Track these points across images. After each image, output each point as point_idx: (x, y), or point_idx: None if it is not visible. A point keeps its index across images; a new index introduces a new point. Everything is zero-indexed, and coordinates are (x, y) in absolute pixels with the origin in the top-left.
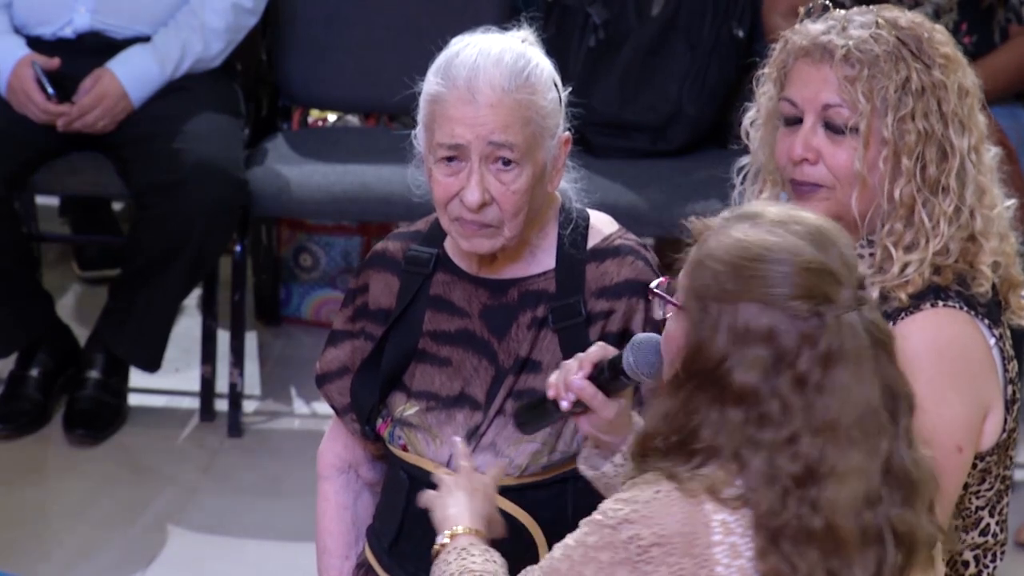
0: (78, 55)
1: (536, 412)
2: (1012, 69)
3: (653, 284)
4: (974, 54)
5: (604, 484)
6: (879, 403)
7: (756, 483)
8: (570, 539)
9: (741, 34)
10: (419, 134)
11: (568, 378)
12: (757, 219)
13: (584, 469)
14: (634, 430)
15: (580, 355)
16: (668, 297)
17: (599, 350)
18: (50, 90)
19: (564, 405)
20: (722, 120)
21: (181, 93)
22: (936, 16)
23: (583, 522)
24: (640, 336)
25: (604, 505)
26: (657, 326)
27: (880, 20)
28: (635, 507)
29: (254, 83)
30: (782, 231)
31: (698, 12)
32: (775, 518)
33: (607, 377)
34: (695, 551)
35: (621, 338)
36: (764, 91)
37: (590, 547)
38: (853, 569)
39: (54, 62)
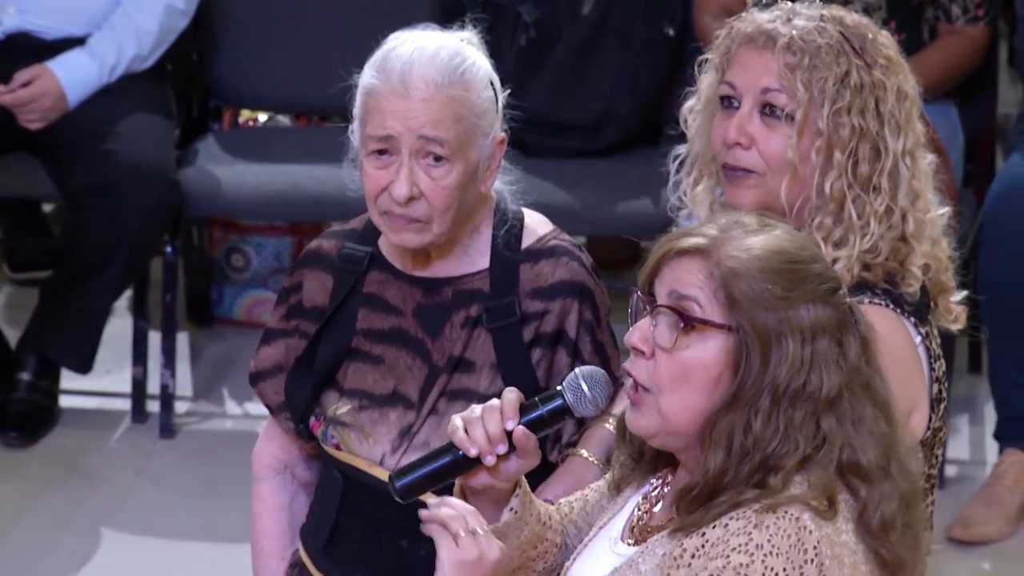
0: (7, 56)
1: (433, 472)
2: (942, 67)
3: (666, 315)
4: (904, 52)
5: (498, 535)
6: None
7: (867, 478)
8: None
9: (672, 33)
10: (354, 128)
11: (495, 429)
12: (747, 227)
13: None
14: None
15: (491, 403)
16: (710, 319)
17: (517, 395)
18: None
19: (491, 460)
20: (654, 118)
21: (113, 95)
22: (866, 14)
23: None
24: (585, 369)
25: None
26: (592, 327)
27: (825, 14)
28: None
29: (185, 83)
30: (782, 233)
31: (629, 11)
32: (875, 510)
33: (546, 418)
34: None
35: (555, 339)
36: (705, 77)
37: None
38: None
39: None
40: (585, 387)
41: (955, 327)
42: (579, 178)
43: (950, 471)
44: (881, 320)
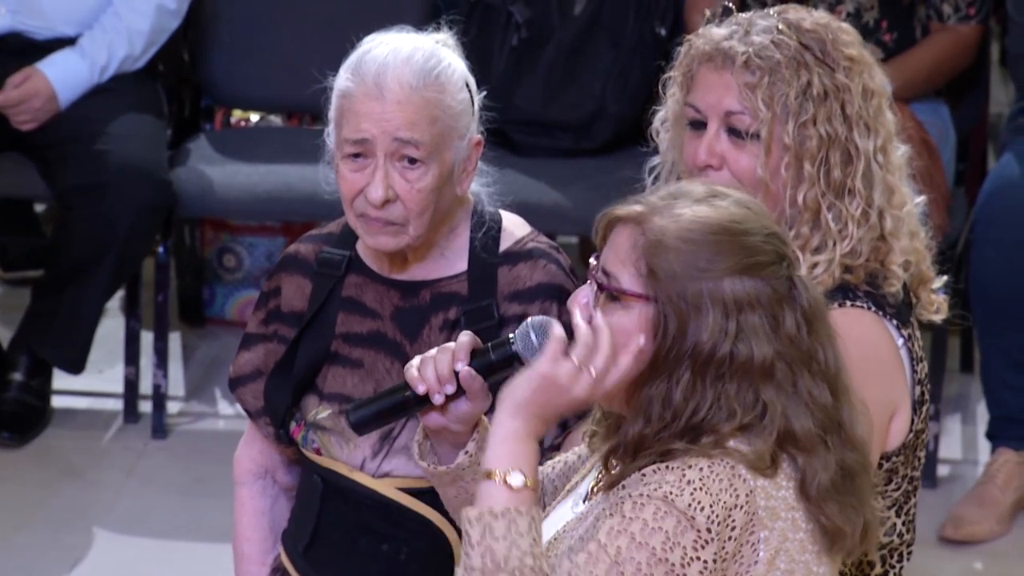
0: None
1: (385, 408)
2: (932, 65)
3: (589, 285)
4: (895, 51)
5: (452, 477)
6: None
7: (803, 447)
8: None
9: (663, 32)
10: (329, 131)
11: (444, 369)
12: (691, 196)
13: (425, 465)
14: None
15: (447, 345)
16: (628, 289)
17: (471, 338)
18: None
19: (439, 399)
20: (645, 118)
21: (104, 94)
22: (857, 14)
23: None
24: (535, 320)
25: (655, 489)
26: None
27: (782, 25)
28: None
29: (176, 83)
30: (725, 203)
31: (621, 10)
32: (813, 479)
33: (494, 364)
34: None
35: None
36: (671, 93)
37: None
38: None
39: None
40: (534, 337)
41: (937, 318)
42: (570, 178)
43: (942, 470)
44: (863, 323)
